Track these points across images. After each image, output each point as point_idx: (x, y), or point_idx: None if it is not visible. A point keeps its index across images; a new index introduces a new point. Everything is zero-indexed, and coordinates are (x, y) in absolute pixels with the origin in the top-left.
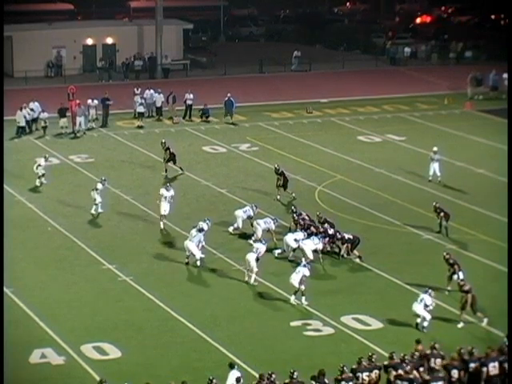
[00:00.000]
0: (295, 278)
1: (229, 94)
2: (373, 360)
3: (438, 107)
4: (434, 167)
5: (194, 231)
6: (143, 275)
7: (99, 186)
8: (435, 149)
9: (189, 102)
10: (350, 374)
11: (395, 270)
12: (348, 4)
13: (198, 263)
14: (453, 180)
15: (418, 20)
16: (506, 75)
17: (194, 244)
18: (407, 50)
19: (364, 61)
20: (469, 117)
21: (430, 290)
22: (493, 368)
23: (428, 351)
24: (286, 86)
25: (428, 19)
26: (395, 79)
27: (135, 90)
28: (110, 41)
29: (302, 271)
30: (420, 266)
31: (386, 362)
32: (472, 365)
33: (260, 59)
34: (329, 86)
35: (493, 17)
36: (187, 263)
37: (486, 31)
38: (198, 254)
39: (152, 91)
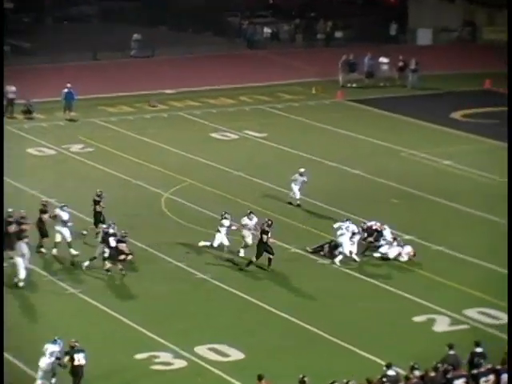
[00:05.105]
0: None
1: (68, 85)
2: None
3: (305, 97)
4: (296, 189)
5: None
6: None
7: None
8: (302, 170)
9: (10, 96)
10: None
11: (251, 287)
12: None
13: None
14: (325, 183)
15: None
16: (383, 59)
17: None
18: (267, 30)
19: (217, 44)
20: (341, 108)
21: None
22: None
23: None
24: (124, 75)
25: None
26: (254, 65)
27: None
28: None
29: None
30: (283, 283)
31: None
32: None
33: (93, 43)
34: (175, 74)
35: None
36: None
37: (358, 8)
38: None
39: None
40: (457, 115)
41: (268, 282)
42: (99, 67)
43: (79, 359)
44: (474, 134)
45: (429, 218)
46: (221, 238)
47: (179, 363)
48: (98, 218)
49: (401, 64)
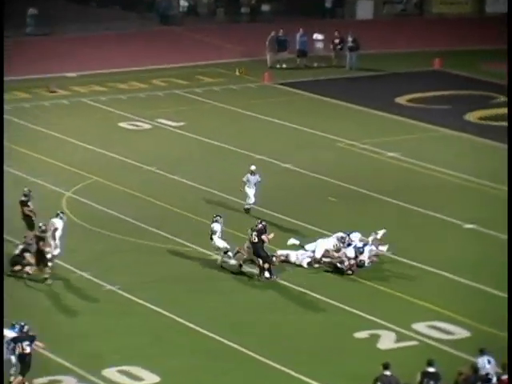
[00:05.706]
0: None
1: None
2: None
3: (227, 80)
4: (251, 193)
5: None
6: None
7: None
8: (253, 168)
9: None
10: None
11: (168, 300)
12: None
13: None
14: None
15: None
16: (317, 36)
17: None
18: (183, 3)
19: (125, 20)
20: (269, 92)
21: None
22: None
23: None
24: (18, 56)
25: None
26: (168, 44)
27: None
28: None
29: None
30: (205, 296)
31: None
32: None
33: None
34: (78, 54)
35: None
36: None
37: None
38: None
39: None
40: (402, 100)
41: (188, 294)
42: None
43: (23, 347)
44: (421, 121)
45: (371, 218)
46: (220, 244)
47: None
48: (30, 223)
49: (337, 41)
